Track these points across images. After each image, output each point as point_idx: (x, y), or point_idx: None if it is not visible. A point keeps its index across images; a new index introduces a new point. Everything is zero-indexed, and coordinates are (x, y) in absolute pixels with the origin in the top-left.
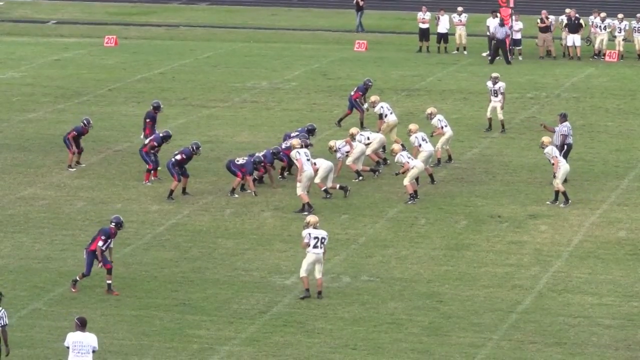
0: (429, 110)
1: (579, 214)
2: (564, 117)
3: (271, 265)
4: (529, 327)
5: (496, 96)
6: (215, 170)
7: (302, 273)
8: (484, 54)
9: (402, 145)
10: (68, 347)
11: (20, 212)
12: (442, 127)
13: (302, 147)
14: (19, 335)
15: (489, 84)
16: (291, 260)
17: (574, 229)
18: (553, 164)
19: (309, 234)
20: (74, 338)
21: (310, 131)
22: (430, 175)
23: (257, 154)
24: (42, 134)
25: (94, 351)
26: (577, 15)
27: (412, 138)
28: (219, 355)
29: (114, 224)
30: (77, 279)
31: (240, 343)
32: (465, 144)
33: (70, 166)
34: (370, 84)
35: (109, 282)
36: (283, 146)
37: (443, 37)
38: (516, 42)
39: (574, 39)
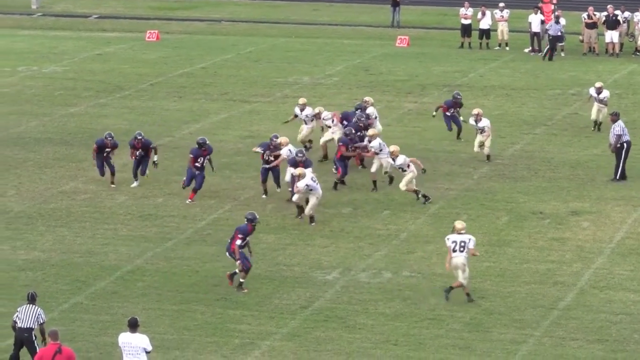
0: (475, 111)
1: (621, 211)
2: (615, 116)
3: (312, 260)
4: (571, 324)
5: (600, 103)
6: (256, 166)
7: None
8: (526, 50)
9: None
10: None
11: (62, 206)
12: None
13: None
14: (61, 328)
15: (593, 93)
16: (332, 255)
17: (616, 226)
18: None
19: (448, 238)
20: (123, 339)
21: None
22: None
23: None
24: (84, 128)
25: (147, 352)
26: (615, 12)
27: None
28: (260, 350)
29: (247, 220)
30: (242, 280)
31: (281, 338)
32: (507, 140)
33: (113, 183)
34: (459, 97)
35: (242, 280)
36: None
37: (485, 33)
38: (559, 39)
39: (612, 36)
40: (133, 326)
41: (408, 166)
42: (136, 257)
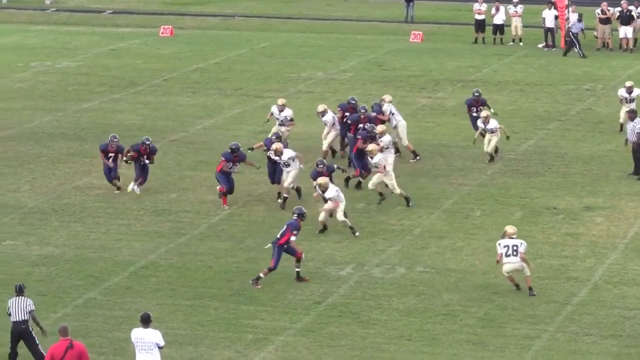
0: (484, 114)
1: (635, 206)
2: (633, 114)
3: (326, 255)
4: (585, 319)
5: (629, 103)
6: None
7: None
8: (540, 45)
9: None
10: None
11: (76, 201)
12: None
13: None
14: (75, 324)
15: (624, 93)
16: (346, 250)
17: (629, 221)
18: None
19: (499, 243)
20: (135, 334)
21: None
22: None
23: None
24: (98, 124)
25: (160, 347)
26: (629, 7)
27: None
28: (274, 346)
29: (296, 215)
30: (262, 275)
31: (295, 333)
32: (521, 135)
33: (119, 188)
34: (477, 94)
35: (262, 275)
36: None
37: (499, 29)
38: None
39: (626, 31)
40: (146, 321)
41: (384, 167)
42: (150, 252)
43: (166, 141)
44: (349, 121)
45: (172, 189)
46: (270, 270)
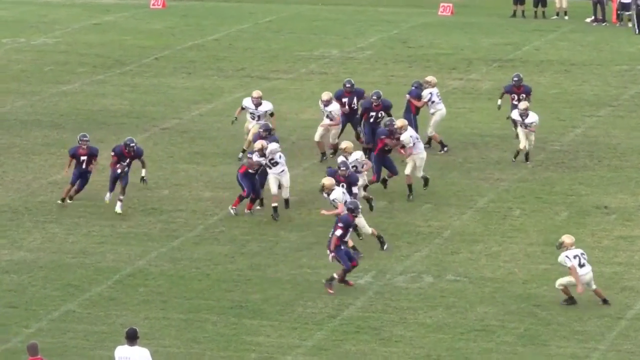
0: (523, 105)
1: None
2: None
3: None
4: None
5: None
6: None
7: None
8: (588, 20)
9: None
10: None
11: (53, 198)
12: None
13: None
14: (50, 341)
15: None
16: (365, 256)
17: None
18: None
19: (567, 257)
20: (120, 353)
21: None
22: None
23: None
24: (79, 109)
25: None
26: None
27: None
28: None
29: (349, 210)
30: (335, 276)
31: (305, 352)
32: (567, 123)
33: (63, 199)
34: (517, 79)
35: (335, 277)
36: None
37: (541, 0)
38: (625, 7)
39: None
40: (132, 338)
41: (362, 166)
42: (138, 258)
43: (157, 129)
44: (360, 107)
45: (164, 185)
46: (347, 271)
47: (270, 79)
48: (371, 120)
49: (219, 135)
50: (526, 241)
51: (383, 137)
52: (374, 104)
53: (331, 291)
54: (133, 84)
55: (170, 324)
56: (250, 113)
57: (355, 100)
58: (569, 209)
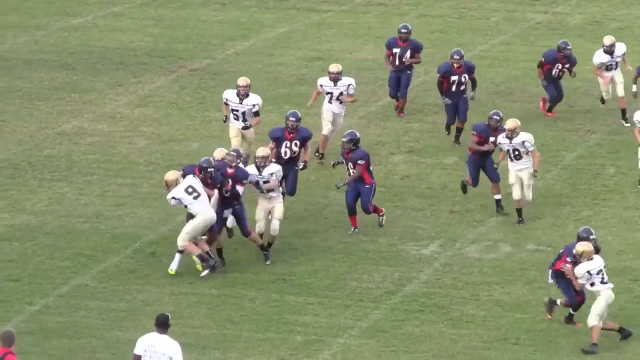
0: (511, 124)
1: None
2: None
3: (403, 228)
4: None
5: None
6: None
7: (593, 321)
8: None
9: None
10: (138, 357)
11: (61, 152)
12: None
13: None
14: (59, 320)
15: None
16: (430, 221)
17: None
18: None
19: (588, 271)
20: (145, 340)
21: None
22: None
23: None
24: (92, 47)
25: None
26: None
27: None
28: (331, 351)
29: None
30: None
31: (359, 334)
32: None
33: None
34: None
35: (572, 312)
36: None
37: None
38: None
39: None
40: (162, 326)
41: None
42: (161, 223)
43: (185, 71)
44: (438, 75)
45: (193, 137)
46: (575, 306)
47: (319, 12)
48: (453, 88)
49: (258, 76)
50: (622, 204)
51: (475, 133)
52: (455, 64)
53: (578, 324)
54: (156, 16)
55: (201, 300)
56: (232, 110)
57: (413, 53)
58: None
